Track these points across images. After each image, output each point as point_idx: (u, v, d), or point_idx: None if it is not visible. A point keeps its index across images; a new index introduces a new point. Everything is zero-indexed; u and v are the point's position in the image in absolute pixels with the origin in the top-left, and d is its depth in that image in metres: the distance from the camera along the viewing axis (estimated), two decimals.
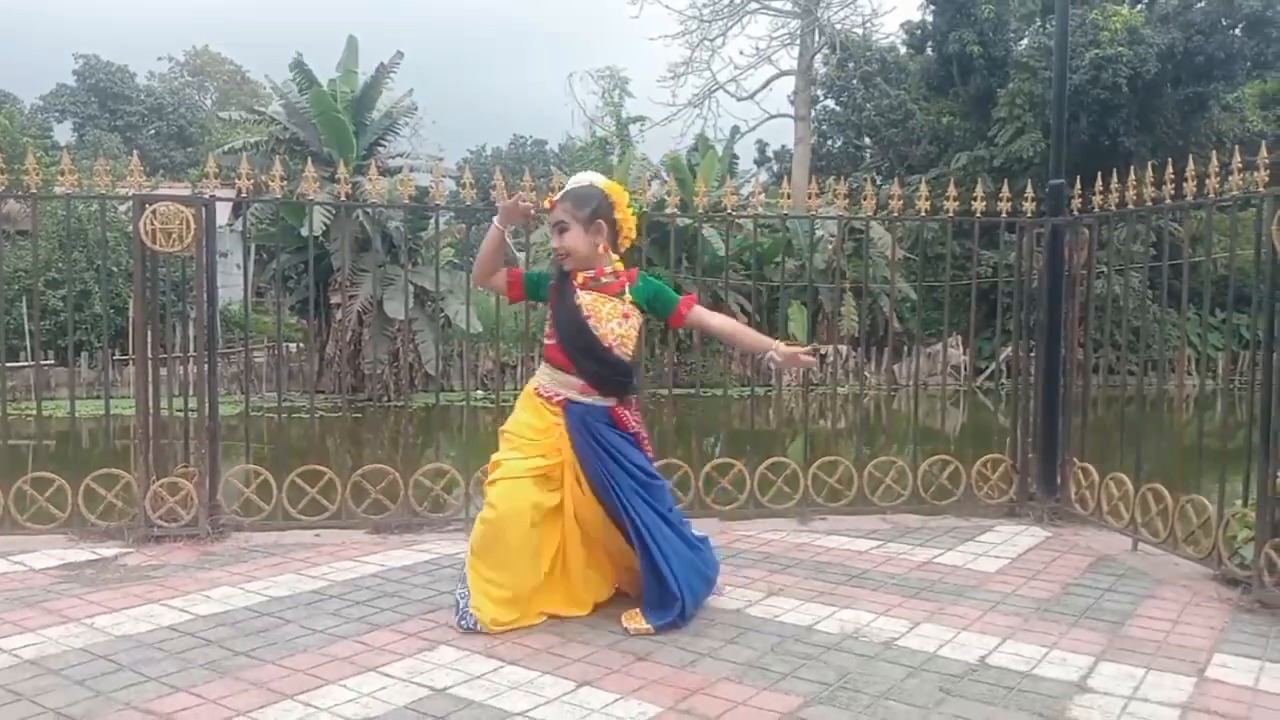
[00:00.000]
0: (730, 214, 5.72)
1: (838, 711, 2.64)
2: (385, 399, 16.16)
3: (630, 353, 3.49)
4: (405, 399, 8.45)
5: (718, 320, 3.68)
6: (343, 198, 4.79)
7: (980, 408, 17.10)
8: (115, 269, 16.61)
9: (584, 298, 3.43)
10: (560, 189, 3.65)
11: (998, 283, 5.73)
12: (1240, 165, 3.91)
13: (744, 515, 5.01)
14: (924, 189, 5.27)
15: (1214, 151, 4.75)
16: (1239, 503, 3.99)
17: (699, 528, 4.80)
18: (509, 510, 3.27)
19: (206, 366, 4.60)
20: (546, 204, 3.54)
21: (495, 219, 3.52)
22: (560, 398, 3.43)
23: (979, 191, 5.15)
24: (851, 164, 27.70)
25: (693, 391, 6.69)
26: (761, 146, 33.55)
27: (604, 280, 3.47)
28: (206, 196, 4.53)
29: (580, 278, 3.46)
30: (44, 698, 2.67)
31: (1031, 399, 5.31)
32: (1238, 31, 22.30)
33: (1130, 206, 4.67)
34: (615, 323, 3.44)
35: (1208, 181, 4.05)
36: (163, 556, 4.18)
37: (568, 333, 3.42)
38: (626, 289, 3.50)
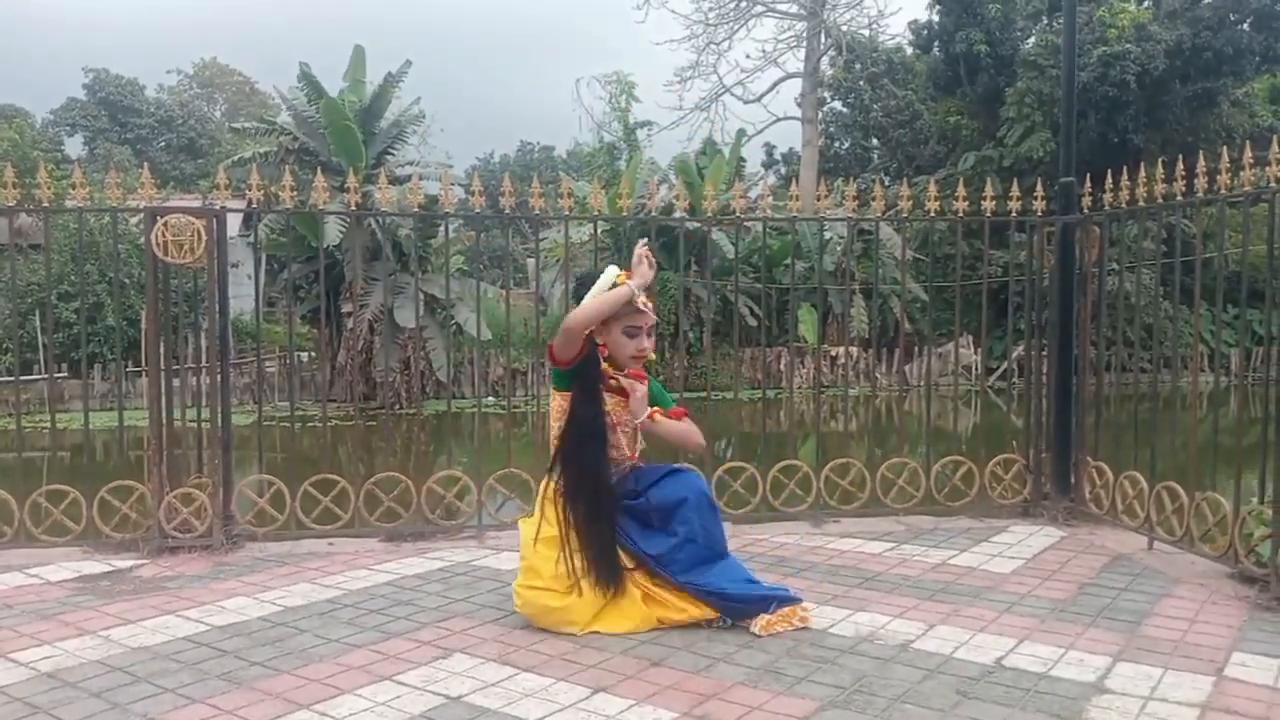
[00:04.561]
0: (739, 216, 5.72)
1: (854, 715, 2.63)
2: (397, 407, 16.19)
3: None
4: (417, 407, 8.47)
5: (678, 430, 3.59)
6: (353, 207, 4.80)
7: (992, 408, 17.05)
8: (127, 281, 16.68)
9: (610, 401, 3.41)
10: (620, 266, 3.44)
11: (1008, 282, 5.70)
12: (1251, 160, 3.89)
13: (757, 519, 5.00)
14: (933, 189, 5.25)
15: (1224, 147, 4.71)
16: (1255, 500, 3.97)
17: None
18: None
19: (219, 377, 4.63)
20: (645, 301, 3.40)
21: (634, 283, 3.30)
22: None
23: (988, 191, 5.13)
24: (859, 165, 27.68)
25: (703, 395, 6.69)
26: (769, 149, 33.59)
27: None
28: (217, 207, 4.55)
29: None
30: (61, 710, 2.68)
31: (1044, 398, 5.29)
32: (1246, 26, 22.14)
33: (1141, 203, 4.65)
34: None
35: (1219, 177, 4.03)
36: (177, 567, 4.20)
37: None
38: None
